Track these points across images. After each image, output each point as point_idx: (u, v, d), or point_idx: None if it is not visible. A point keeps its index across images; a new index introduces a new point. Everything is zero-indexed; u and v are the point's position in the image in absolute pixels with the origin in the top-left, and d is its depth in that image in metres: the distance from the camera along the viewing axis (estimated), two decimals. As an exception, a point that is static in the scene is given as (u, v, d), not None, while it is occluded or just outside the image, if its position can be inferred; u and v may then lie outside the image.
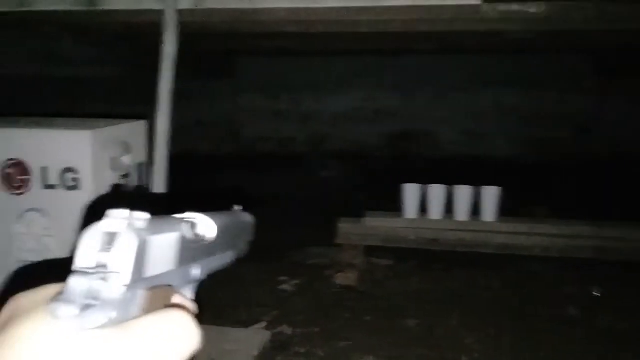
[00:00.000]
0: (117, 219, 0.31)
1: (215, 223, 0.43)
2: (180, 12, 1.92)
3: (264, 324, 2.84)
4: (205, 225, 0.42)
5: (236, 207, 0.52)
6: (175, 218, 0.39)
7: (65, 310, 0.28)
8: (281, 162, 6.69)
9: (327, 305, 3.11)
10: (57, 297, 0.29)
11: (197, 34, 3.17)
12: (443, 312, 3.00)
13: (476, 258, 3.52)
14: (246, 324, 2.83)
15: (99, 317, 0.29)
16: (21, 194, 1.74)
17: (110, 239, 0.31)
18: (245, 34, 3.47)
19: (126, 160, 1.80)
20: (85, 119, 1.92)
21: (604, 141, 6.68)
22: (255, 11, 2.05)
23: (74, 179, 1.67)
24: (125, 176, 1.81)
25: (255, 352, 2.53)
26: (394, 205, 3.50)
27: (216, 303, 2.95)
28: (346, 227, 3.55)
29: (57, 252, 1.79)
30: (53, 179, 1.70)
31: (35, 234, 1.79)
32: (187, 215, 0.41)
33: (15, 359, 0.29)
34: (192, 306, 0.40)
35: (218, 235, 0.43)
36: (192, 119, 7.43)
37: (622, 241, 3.30)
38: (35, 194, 1.73)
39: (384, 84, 7.13)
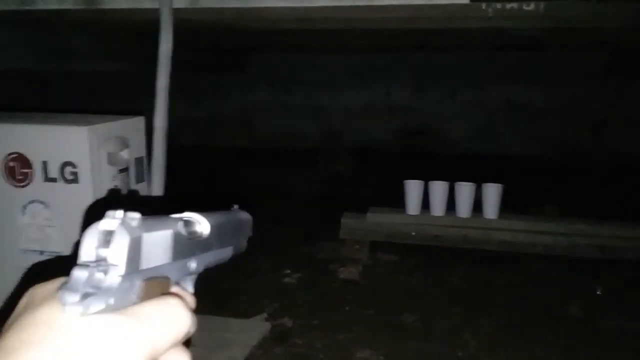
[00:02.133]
0: (114, 218, 0.35)
1: (209, 221, 0.48)
2: (176, 11, 1.98)
3: (264, 315, 2.90)
4: (199, 223, 0.47)
5: (235, 206, 0.57)
6: (169, 217, 0.43)
7: (69, 297, 0.33)
8: (293, 157, 6.74)
9: (328, 299, 3.16)
10: (63, 287, 0.33)
11: (202, 31, 3.24)
12: (443, 308, 3.03)
13: (479, 255, 3.53)
14: (247, 314, 2.90)
15: (98, 303, 0.33)
16: (24, 186, 1.82)
17: (108, 236, 0.35)
18: (252, 31, 3.51)
19: (124, 155, 1.87)
20: (86, 114, 1.98)
21: (618, 140, 6.58)
22: (249, 10, 2.10)
23: (73, 173, 1.75)
24: (124, 170, 1.88)
25: (254, 342, 2.60)
26: (404, 201, 3.53)
27: (220, 293, 3.02)
28: (349, 222, 3.59)
29: (58, 242, 1.87)
30: (53, 172, 1.77)
31: (38, 225, 1.87)
32: (184, 214, 0.46)
33: (29, 340, 0.33)
34: (189, 296, 0.45)
35: (212, 232, 0.48)
36: (206, 113, 7.53)
37: (626, 240, 3.28)
38: (37, 186, 1.81)
39: (396, 80, 7.12)
